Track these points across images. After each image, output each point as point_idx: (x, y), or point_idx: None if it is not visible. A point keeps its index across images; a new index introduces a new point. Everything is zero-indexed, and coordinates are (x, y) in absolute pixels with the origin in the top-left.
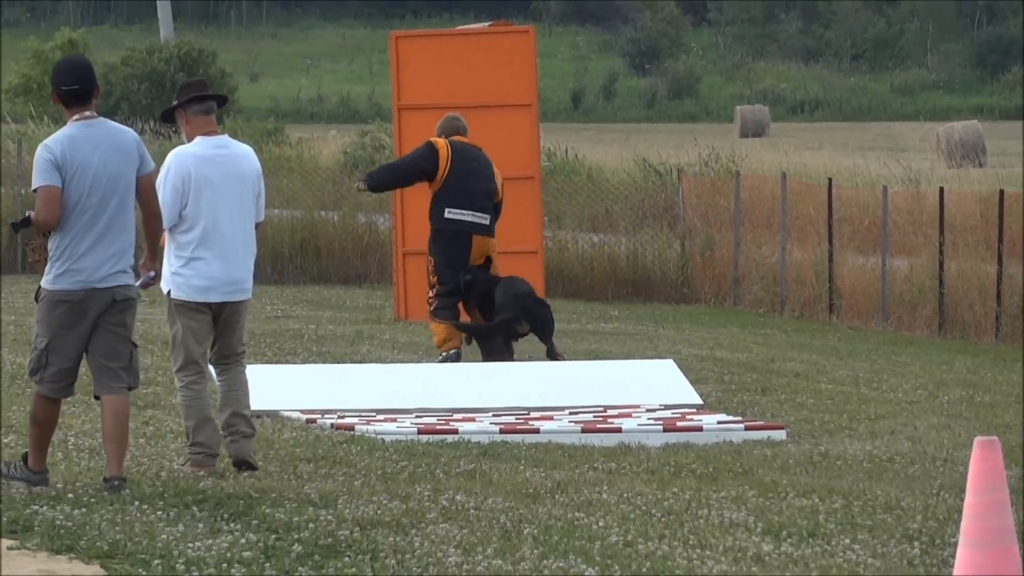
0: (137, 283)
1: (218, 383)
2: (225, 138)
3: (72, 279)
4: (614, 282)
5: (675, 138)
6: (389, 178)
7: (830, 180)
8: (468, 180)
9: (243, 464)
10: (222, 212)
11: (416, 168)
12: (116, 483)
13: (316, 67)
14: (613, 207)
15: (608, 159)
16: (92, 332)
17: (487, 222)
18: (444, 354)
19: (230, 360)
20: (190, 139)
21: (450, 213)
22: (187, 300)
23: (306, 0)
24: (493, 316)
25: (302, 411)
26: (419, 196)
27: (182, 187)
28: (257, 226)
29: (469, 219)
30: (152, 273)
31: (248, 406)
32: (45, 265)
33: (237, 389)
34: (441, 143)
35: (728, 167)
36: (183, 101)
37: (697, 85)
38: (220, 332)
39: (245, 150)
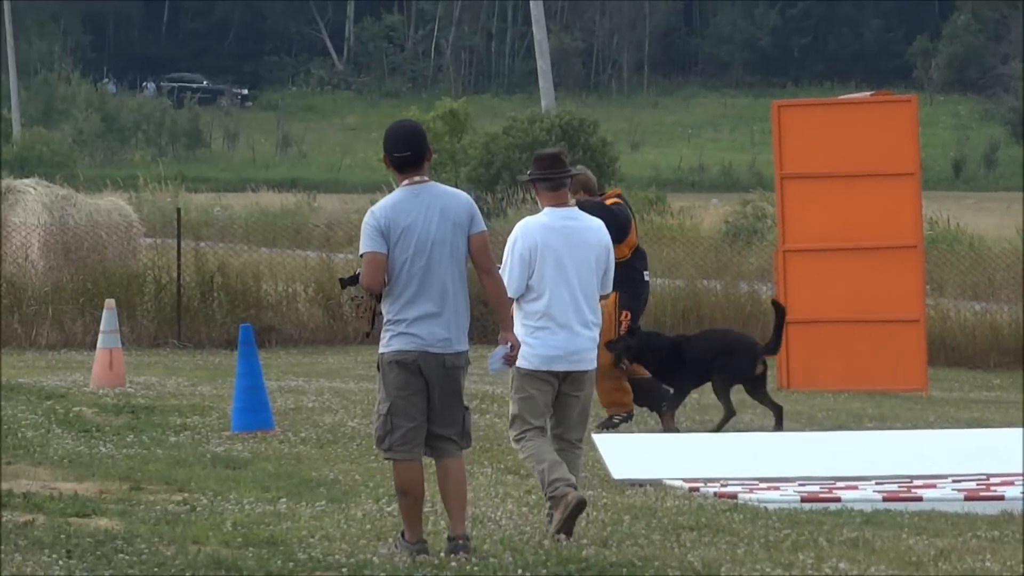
0: (498, 357)
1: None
2: (574, 210)
3: (406, 341)
4: (996, 350)
5: None
6: None
7: None
8: None
9: (574, 514)
10: (568, 283)
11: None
12: (461, 542)
13: (697, 136)
14: (995, 275)
15: (990, 228)
16: (428, 396)
17: None
18: (619, 417)
19: (567, 443)
20: (541, 208)
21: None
22: (533, 369)
23: (687, 70)
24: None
25: (685, 479)
26: (802, 264)
27: (529, 256)
28: (602, 299)
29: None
30: (510, 344)
31: (576, 481)
32: (367, 324)
33: (571, 473)
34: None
35: None
36: (533, 177)
37: None
38: (560, 405)
39: (594, 223)
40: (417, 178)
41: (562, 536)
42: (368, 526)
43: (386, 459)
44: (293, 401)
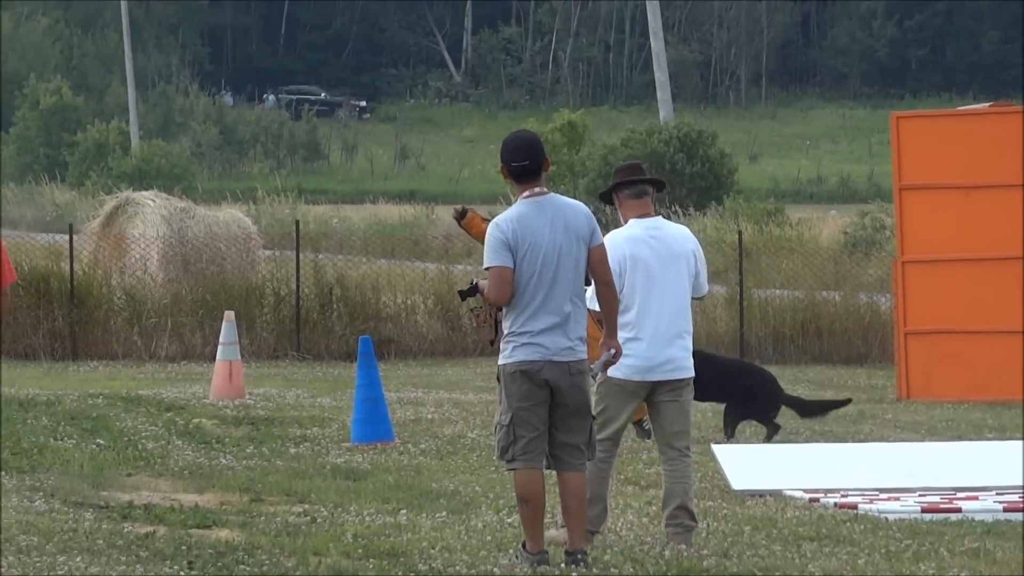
0: (599, 362)
1: (663, 472)
2: (659, 219)
3: (531, 351)
4: None
5: None
6: None
7: None
8: None
9: None
10: (656, 293)
11: None
12: (579, 556)
13: (815, 147)
14: None
15: None
16: (552, 406)
17: None
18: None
19: (674, 451)
20: (625, 221)
21: None
22: (624, 380)
23: (805, 81)
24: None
25: (805, 490)
26: (922, 275)
27: (618, 269)
28: (698, 298)
29: None
30: (612, 351)
31: (692, 498)
32: (490, 332)
33: (682, 481)
34: None
35: None
36: (615, 184)
37: None
38: (657, 415)
39: (678, 231)
40: (537, 189)
41: (682, 547)
42: (489, 537)
43: (508, 470)
44: (412, 412)
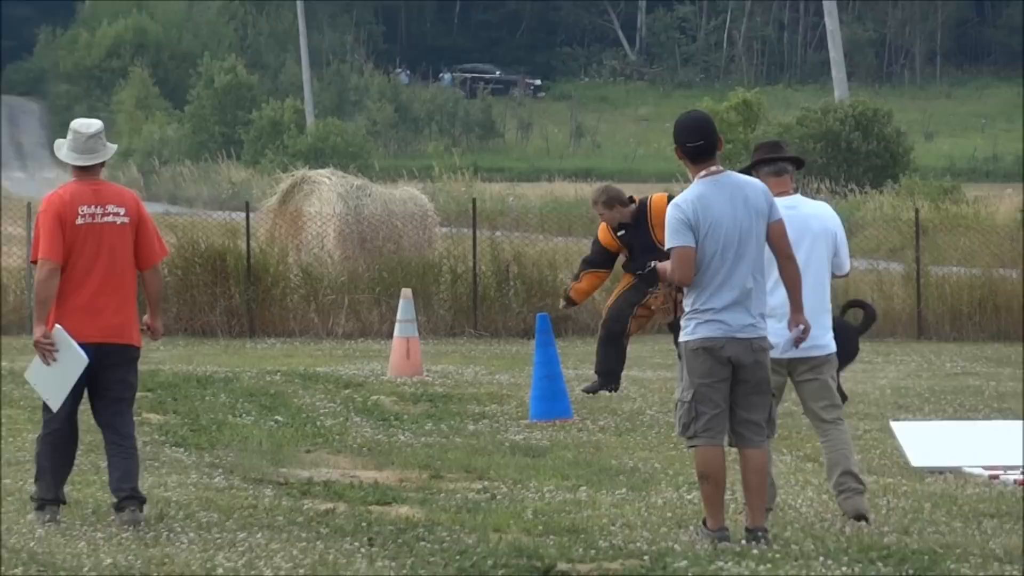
0: (786, 339)
1: (822, 446)
2: (797, 197)
3: (713, 328)
4: None
5: None
6: None
7: None
8: None
9: (860, 518)
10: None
11: None
12: (759, 534)
13: (991, 126)
14: None
15: None
16: (733, 383)
17: None
18: None
19: (827, 424)
20: None
21: None
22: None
23: (980, 60)
24: None
25: (984, 467)
26: None
27: None
28: (840, 276)
29: None
30: (801, 327)
31: (855, 463)
32: (669, 314)
33: (841, 449)
34: None
35: None
36: (754, 162)
37: None
38: (801, 393)
39: (817, 209)
40: (714, 168)
41: (862, 523)
42: (669, 514)
43: (689, 447)
44: None
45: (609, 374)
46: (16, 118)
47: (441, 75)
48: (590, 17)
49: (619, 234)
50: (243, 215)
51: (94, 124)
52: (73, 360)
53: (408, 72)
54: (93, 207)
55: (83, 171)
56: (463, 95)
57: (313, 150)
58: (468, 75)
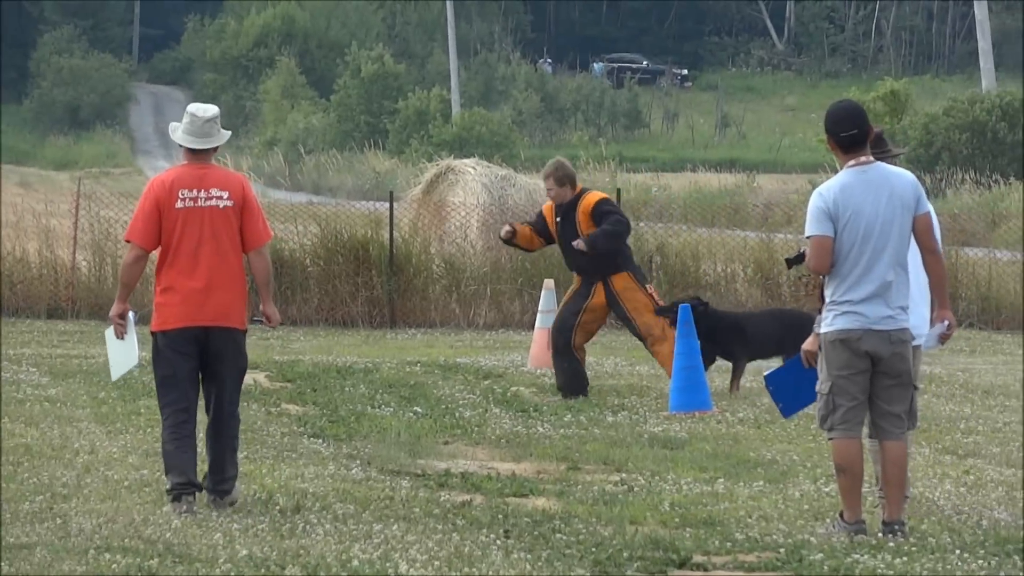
0: (934, 335)
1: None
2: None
3: (851, 320)
4: None
5: None
6: None
7: None
8: None
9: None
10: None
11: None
12: (896, 527)
13: None
14: None
15: None
16: (873, 375)
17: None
18: None
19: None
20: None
21: None
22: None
23: None
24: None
25: None
26: None
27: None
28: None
29: None
30: (947, 323)
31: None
32: (817, 301)
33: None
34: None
35: None
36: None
37: None
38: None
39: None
40: (863, 158)
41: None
42: (806, 506)
43: (829, 439)
44: None
45: (567, 389)
46: (162, 107)
47: (592, 65)
48: (739, 7)
49: (557, 219)
50: (386, 205)
51: (211, 109)
52: (130, 351)
53: (550, 62)
54: (196, 191)
55: (195, 154)
56: (610, 85)
57: (458, 140)
58: (615, 65)
